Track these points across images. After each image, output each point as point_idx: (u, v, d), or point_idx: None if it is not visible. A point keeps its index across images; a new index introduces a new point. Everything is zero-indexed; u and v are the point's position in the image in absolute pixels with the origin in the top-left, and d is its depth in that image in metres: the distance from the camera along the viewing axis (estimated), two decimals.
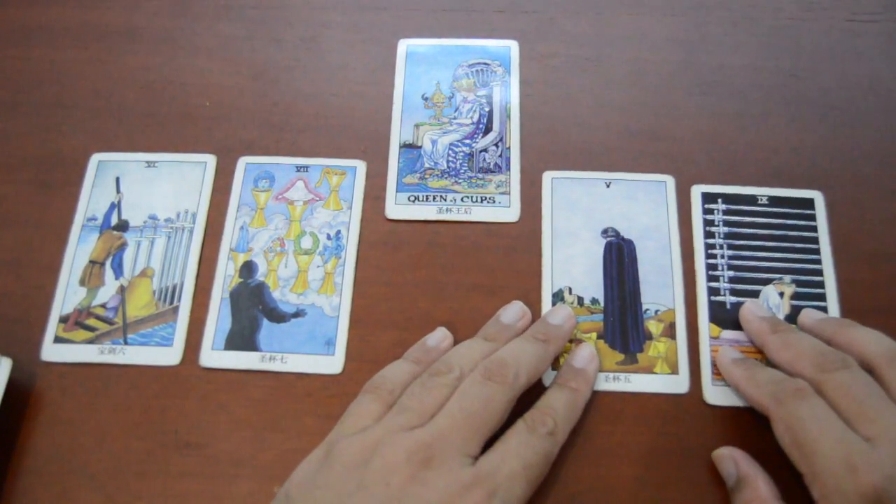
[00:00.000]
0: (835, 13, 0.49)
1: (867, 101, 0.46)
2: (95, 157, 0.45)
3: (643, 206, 0.43)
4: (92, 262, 0.42)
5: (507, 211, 0.43)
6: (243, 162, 0.45)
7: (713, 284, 0.41)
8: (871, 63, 0.47)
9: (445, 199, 0.43)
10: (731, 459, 0.36)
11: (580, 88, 0.47)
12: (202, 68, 0.48)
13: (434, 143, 0.45)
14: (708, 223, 0.42)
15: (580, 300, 0.41)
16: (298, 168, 0.45)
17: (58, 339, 0.40)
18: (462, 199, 0.43)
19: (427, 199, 0.43)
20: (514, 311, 0.39)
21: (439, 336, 0.39)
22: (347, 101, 0.47)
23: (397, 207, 0.43)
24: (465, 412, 0.33)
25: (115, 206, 0.44)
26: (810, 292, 0.41)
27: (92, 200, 0.44)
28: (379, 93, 0.47)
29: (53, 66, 0.48)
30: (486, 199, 0.43)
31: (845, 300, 0.41)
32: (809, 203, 0.43)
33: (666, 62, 0.48)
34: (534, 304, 0.41)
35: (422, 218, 0.43)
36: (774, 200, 0.43)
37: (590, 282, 0.41)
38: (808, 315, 0.39)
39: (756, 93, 0.46)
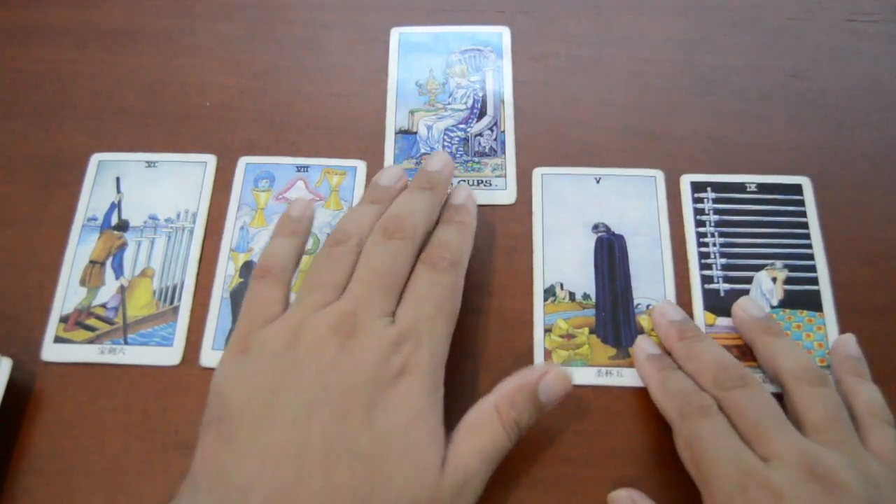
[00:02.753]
0: (835, 13, 0.49)
1: (867, 101, 0.46)
2: (95, 157, 0.45)
3: (633, 201, 0.43)
4: (92, 262, 0.42)
5: (504, 193, 0.43)
6: (243, 162, 0.45)
7: (706, 273, 0.41)
8: (871, 63, 0.47)
9: None
10: (629, 500, 0.35)
11: (580, 88, 0.47)
12: (202, 68, 0.48)
13: (429, 128, 0.45)
14: (698, 212, 0.43)
15: (572, 295, 0.41)
16: (298, 168, 0.45)
17: (58, 339, 0.40)
18: (459, 183, 0.44)
19: None
20: (392, 173, 0.40)
21: (301, 206, 0.39)
22: (347, 101, 0.47)
23: None
24: (375, 274, 0.34)
25: (116, 206, 0.44)
26: (802, 276, 0.41)
27: (92, 200, 0.44)
28: (379, 92, 0.47)
29: (53, 66, 0.48)
30: (482, 182, 0.44)
31: (837, 283, 0.41)
32: (797, 189, 0.43)
33: (666, 62, 0.48)
34: (525, 300, 0.41)
35: None
36: (763, 187, 0.43)
37: (581, 277, 0.41)
38: (743, 308, 0.39)
39: (756, 93, 0.46)
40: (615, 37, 0.49)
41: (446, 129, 0.46)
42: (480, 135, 0.45)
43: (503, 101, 0.46)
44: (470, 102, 0.46)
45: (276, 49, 0.49)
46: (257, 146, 0.45)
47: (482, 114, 0.46)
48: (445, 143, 0.45)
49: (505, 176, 0.44)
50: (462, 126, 0.46)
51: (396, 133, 0.46)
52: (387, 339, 0.32)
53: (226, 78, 0.48)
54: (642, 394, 0.38)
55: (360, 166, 0.45)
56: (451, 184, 0.40)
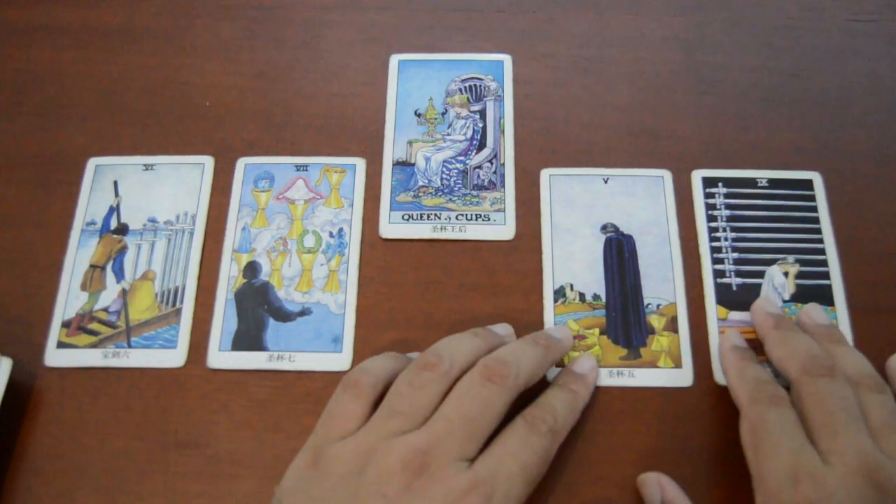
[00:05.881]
0: (835, 13, 0.49)
1: (867, 100, 0.46)
2: (93, 162, 0.45)
3: (641, 201, 0.43)
4: (92, 266, 0.42)
5: (503, 229, 0.43)
6: (242, 163, 0.45)
7: (718, 267, 0.41)
8: (871, 63, 0.47)
9: (440, 218, 0.43)
10: (657, 484, 0.35)
11: (580, 88, 0.47)
12: (202, 68, 0.48)
13: (427, 160, 0.45)
14: (710, 207, 0.43)
15: (582, 296, 0.41)
16: (298, 167, 0.45)
17: (61, 345, 0.40)
18: (457, 217, 0.43)
19: (421, 217, 0.43)
20: (504, 328, 0.39)
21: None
22: (347, 101, 0.47)
23: (391, 226, 0.43)
24: (462, 416, 0.32)
25: (114, 209, 0.44)
26: (814, 271, 0.41)
27: (90, 205, 0.44)
28: (378, 93, 0.47)
29: (53, 66, 0.48)
30: (480, 216, 0.43)
31: (848, 278, 0.41)
32: (808, 184, 0.43)
33: (666, 62, 0.48)
34: (535, 303, 0.41)
35: (416, 237, 0.43)
36: (774, 182, 0.43)
37: (591, 278, 0.41)
38: (808, 314, 0.39)
39: (756, 93, 0.46)
40: (615, 37, 0.49)
41: (445, 161, 0.45)
42: (479, 167, 0.44)
43: (503, 132, 0.45)
44: (469, 133, 0.45)
45: (276, 49, 0.49)
46: (257, 146, 0.45)
47: (482, 145, 0.45)
48: (444, 176, 0.44)
49: (504, 210, 0.43)
50: (461, 158, 0.45)
51: (394, 164, 0.45)
52: (457, 487, 0.30)
53: (226, 78, 0.48)
54: (643, 393, 0.39)
55: (360, 163, 0.44)
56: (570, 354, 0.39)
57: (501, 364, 0.34)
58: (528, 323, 0.40)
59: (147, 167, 0.45)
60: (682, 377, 0.39)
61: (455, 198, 0.44)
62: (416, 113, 0.46)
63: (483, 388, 0.33)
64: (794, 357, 0.35)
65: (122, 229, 0.43)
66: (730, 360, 0.37)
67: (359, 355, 0.39)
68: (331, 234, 0.42)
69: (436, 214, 0.43)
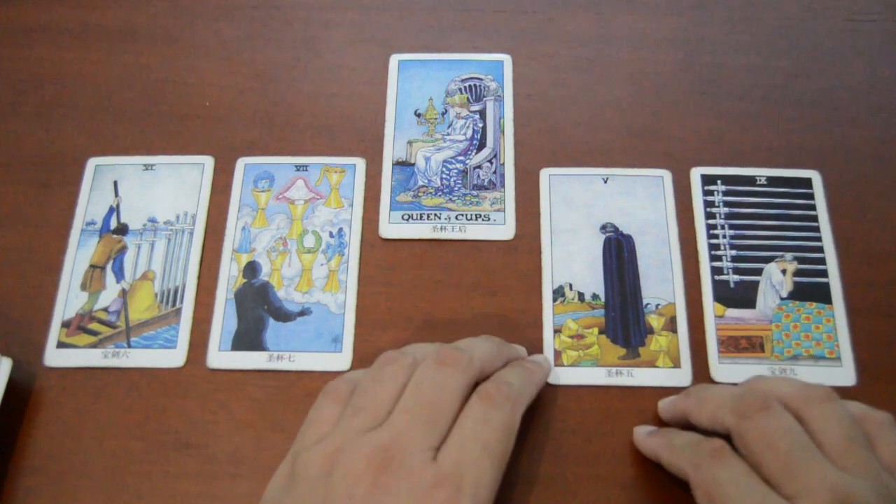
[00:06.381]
0: (835, 13, 0.49)
1: (867, 100, 0.46)
2: (92, 162, 0.45)
3: (641, 200, 0.43)
4: (92, 266, 0.42)
5: (503, 228, 0.43)
6: (242, 163, 0.45)
7: (716, 264, 0.41)
8: (871, 63, 0.47)
9: (440, 218, 0.43)
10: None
11: (580, 88, 0.47)
12: (202, 68, 0.48)
13: (427, 160, 0.45)
14: (708, 204, 0.43)
15: (581, 296, 0.41)
16: (298, 167, 0.45)
17: (60, 345, 0.40)
18: (456, 217, 0.43)
19: (421, 217, 0.43)
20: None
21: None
22: (347, 101, 0.47)
23: (391, 226, 0.43)
24: (420, 403, 0.32)
25: (114, 209, 0.44)
26: (812, 269, 0.41)
27: (90, 205, 0.44)
28: (378, 93, 0.47)
29: (53, 66, 0.48)
30: (480, 216, 0.43)
31: (845, 276, 0.41)
32: (807, 182, 0.43)
33: (666, 62, 0.48)
34: (535, 303, 0.41)
35: (416, 237, 0.43)
36: (773, 181, 0.43)
37: (590, 277, 0.41)
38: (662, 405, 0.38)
39: (756, 93, 0.46)
40: (615, 37, 0.49)
41: (445, 161, 0.45)
42: (479, 167, 0.44)
43: (503, 132, 0.45)
44: (469, 133, 0.45)
45: (276, 49, 0.49)
46: (257, 146, 0.45)
47: (482, 145, 0.45)
48: (444, 176, 0.44)
49: (504, 210, 0.43)
50: (461, 158, 0.45)
51: (394, 164, 0.45)
52: (422, 482, 0.29)
53: (226, 78, 0.48)
54: (642, 393, 0.39)
55: (360, 163, 0.45)
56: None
57: (455, 350, 0.34)
58: (528, 323, 0.40)
59: (147, 167, 0.45)
60: (681, 377, 0.39)
61: (455, 198, 0.44)
62: (416, 113, 0.46)
63: (437, 372, 0.33)
64: (721, 406, 0.33)
65: (122, 229, 0.43)
66: (652, 444, 0.36)
67: (359, 355, 0.40)
68: (331, 234, 0.42)
69: (436, 214, 0.43)
